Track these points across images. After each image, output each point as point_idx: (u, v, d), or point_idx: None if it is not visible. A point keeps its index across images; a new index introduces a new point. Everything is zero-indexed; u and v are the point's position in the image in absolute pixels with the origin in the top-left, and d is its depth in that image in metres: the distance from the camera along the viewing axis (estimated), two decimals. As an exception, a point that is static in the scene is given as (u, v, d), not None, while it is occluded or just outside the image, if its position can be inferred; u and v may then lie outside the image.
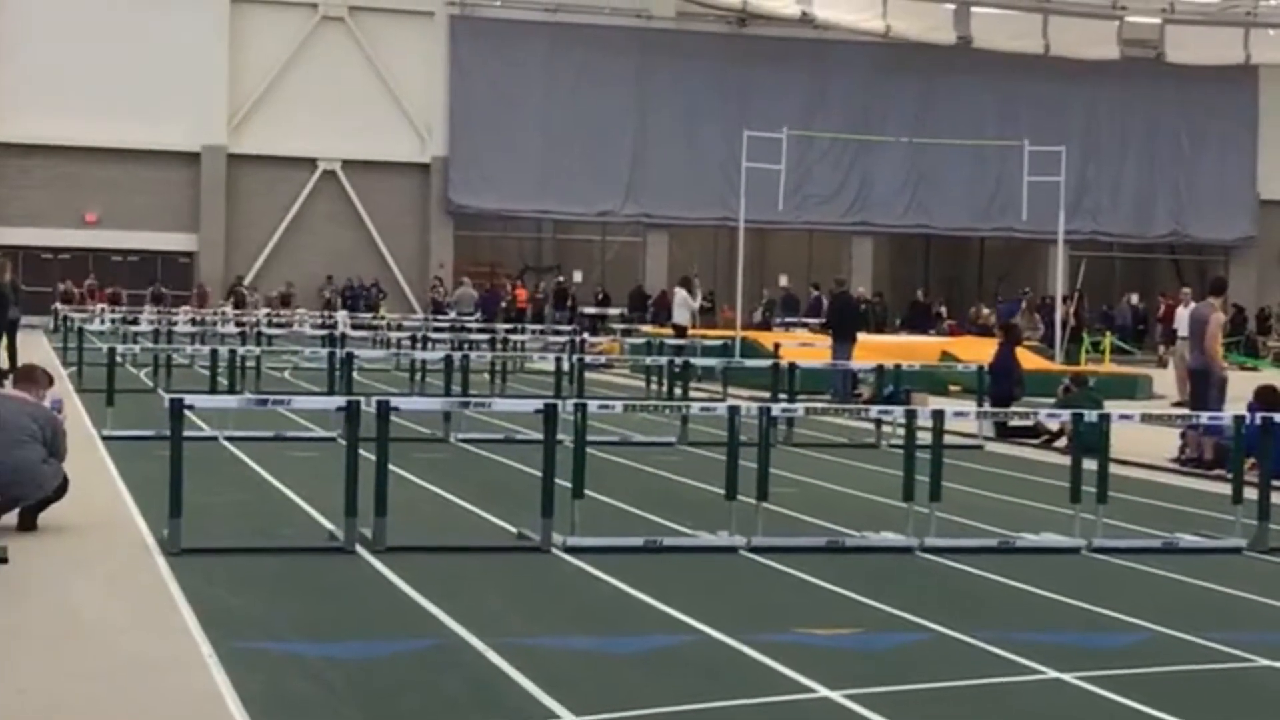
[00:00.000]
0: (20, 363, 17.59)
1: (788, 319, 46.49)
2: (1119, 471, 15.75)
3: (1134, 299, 50.47)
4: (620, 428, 19.73)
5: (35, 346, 30.87)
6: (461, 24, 50.37)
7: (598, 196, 51.13)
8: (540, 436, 12.08)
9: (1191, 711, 7.69)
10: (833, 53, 51.11)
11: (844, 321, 27.46)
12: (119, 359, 20.58)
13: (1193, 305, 30.42)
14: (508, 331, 35.71)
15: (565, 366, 23.71)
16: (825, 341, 28.67)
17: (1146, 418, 15.02)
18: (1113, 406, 17.73)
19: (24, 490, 11.36)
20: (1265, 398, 17.51)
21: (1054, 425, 19.92)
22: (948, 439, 13.73)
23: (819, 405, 19.02)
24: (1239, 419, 13.73)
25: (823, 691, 7.82)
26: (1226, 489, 14.65)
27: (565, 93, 50.37)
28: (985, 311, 47.31)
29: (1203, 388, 20.49)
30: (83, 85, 46.69)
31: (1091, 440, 13.16)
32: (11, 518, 11.45)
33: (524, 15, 50.51)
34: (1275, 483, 13.95)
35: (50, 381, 12.33)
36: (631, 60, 51.03)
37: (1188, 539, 13.10)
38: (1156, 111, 53.78)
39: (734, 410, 12.74)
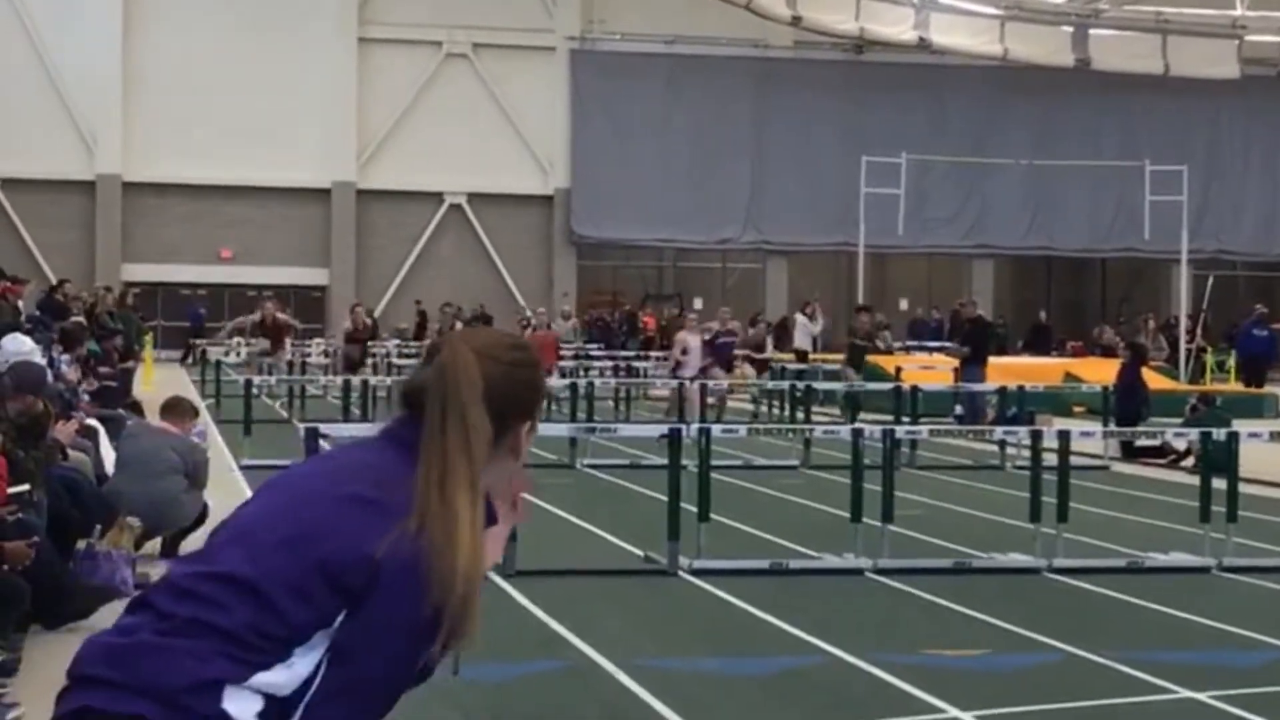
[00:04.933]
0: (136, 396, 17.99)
1: (910, 343, 46.18)
2: (1248, 490, 15.59)
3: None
4: (744, 452, 19.82)
5: (174, 380, 31.51)
6: (582, 57, 50.81)
7: (717, 224, 51.25)
8: (664, 462, 12.18)
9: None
10: (950, 77, 50.89)
11: (982, 345, 27.45)
12: (255, 390, 20.99)
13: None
14: (630, 359, 35.88)
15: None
16: (945, 364, 28.56)
17: (1276, 435, 14.84)
18: (1240, 426, 17.53)
19: (164, 521, 11.65)
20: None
21: (1181, 445, 19.72)
22: (1073, 460, 13.67)
23: (942, 427, 18.97)
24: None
25: (953, 712, 7.84)
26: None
27: (684, 122, 50.59)
28: (1109, 332, 46.74)
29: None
30: (216, 125, 47.68)
31: (1220, 459, 13.07)
32: (155, 545, 11.76)
33: (643, 48, 50.82)
34: None
35: (195, 414, 12.63)
36: (749, 89, 51.15)
37: (1321, 558, 12.97)
38: (1276, 129, 53.02)
39: (858, 433, 12.80)
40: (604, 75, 50.52)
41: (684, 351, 24.72)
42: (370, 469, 2.89)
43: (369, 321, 35.00)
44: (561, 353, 33.67)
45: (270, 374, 26.62)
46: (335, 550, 2.77)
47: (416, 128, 49.93)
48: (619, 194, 49.96)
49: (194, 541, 11.96)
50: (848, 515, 12.34)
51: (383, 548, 2.77)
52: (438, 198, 50.51)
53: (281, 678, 2.76)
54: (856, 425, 14.40)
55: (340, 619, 2.78)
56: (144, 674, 2.74)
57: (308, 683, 2.79)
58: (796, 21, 47.03)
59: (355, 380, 22.40)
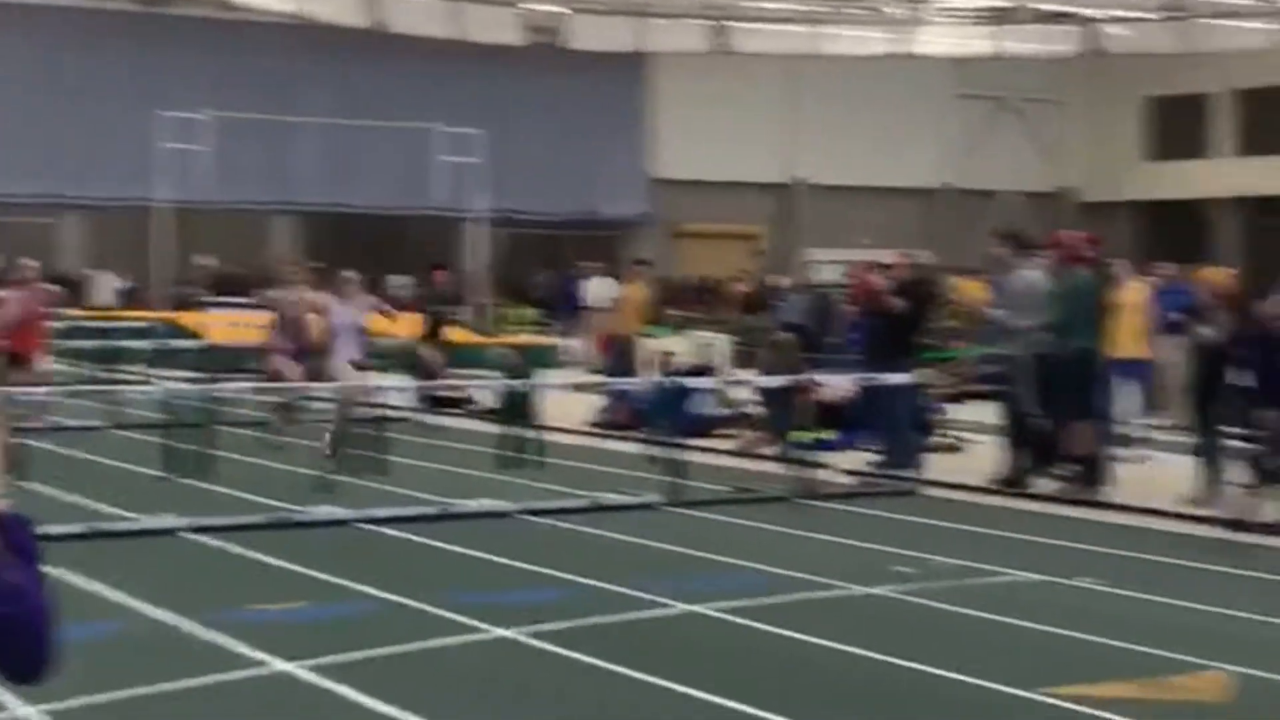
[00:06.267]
0: None
1: (216, 299, 45.73)
2: (547, 437, 16.51)
3: (547, 274, 52.25)
4: (50, 415, 19.08)
5: None
6: None
7: (6, 178, 48.89)
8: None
9: (623, 657, 8.25)
10: (250, 34, 50.56)
11: None
12: None
13: (595, 280, 32.23)
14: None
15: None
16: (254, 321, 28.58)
17: (575, 387, 15.83)
18: (542, 376, 18.48)
19: None
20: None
21: (483, 395, 20.48)
22: (382, 412, 14.08)
23: (252, 385, 18.96)
24: (655, 385, 14.69)
25: (279, 665, 7.99)
26: (643, 449, 15.67)
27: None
28: (405, 288, 47.96)
29: (621, 356, 21.70)
30: None
31: (520, 408, 13.81)
32: None
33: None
34: (683, 440, 15.03)
35: None
36: (41, 39, 48.96)
37: (610, 497, 13.87)
38: (560, 95, 55.79)
39: (169, 393, 12.75)
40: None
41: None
42: None
43: None
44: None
45: None
46: None
47: None
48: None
49: None
50: (162, 474, 12.26)
51: None
52: None
53: None
54: (170, 384, 14.30)
55: None
56: None
57: None
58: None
59: None
